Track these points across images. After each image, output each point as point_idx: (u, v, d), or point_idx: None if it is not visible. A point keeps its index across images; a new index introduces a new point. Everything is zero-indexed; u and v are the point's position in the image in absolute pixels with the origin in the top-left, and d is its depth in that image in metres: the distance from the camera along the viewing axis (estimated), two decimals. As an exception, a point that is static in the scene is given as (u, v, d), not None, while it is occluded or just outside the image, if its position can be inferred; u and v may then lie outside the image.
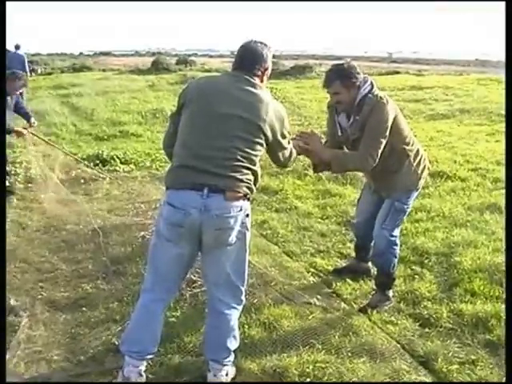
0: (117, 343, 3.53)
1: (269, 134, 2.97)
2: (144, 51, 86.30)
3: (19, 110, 6.66)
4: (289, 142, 3.22)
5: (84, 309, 4.07)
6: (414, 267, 4.71)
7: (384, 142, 3.70)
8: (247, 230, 3.03)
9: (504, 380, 2.86)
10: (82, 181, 7.41)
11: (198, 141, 2.93)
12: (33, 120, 6.78)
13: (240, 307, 3.18)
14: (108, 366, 3.36)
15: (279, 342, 3.60)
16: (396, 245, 4.08)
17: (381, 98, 3.75)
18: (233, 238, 2.94)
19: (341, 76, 3.76)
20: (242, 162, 2.90)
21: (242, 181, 2.90)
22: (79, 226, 5.80)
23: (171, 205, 2.91)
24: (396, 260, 4.13)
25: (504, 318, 3.68)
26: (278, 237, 5.49)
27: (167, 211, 2.94)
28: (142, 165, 8.39)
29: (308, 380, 3.19)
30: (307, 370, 3.27)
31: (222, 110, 2.92)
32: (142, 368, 3.08)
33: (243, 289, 3.15)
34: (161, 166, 8.35)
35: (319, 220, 6.03)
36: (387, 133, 3.70)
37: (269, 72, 3.14)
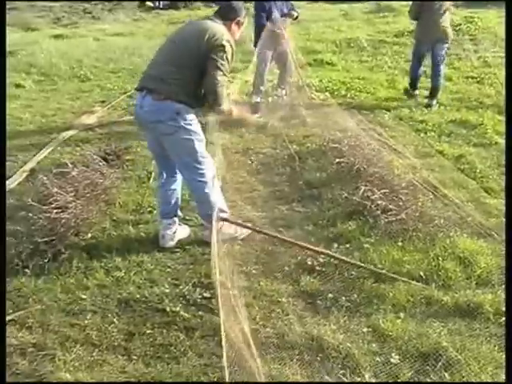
0: (310, 263, 3.74)
1: (202, 53, 3.63)
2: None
3: None
4: (223, 75, 3.70)
5: (281, 229, 4.28)
6: None
7: None
8: (180, 125, 3.70)
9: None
10: (279, 107, 7.59)
11: (155, 57, 3.91)
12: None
13: (198, 177, 3.86)
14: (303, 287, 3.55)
15: (474, 278, 3.53)
16: None
17: None
18: (167, 129, 3.70)
19: None
20: (176, 74, 3.66)
21: (169, 85, 3.66)
22: (276, 150, 6.02)
23: (134, 104, 4.03)
24: None
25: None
26: (475, 172, 5.25)
27: (134, 109, 4.06)
28: (337, 93, 8.38)
29: (502, 319, 3.11)
30: (502, 308, 3.19)
31: (177, 37, 3.86)
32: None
33: (198, 165, 3.83)
34: (356, 95, 8.28)
35: (521, 157, 5.65)
36: None
37: (241, 23, 3.97)
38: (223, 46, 3.64)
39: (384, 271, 3.57)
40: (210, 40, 3.63)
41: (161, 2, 28.13)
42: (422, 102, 7.75)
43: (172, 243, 4.11)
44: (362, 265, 3.64)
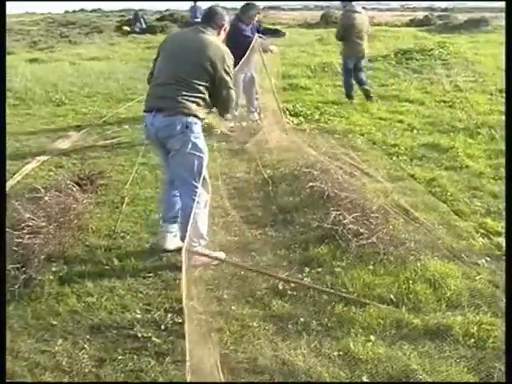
0: (282, 287, 3.76)
1: (210, 68, 3.91)
2: (313, 5, 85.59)
3: None
4: (230, 88, 4.07)
5: (253, 253, 4.31)
6: None
7: None
8: (189, 139, 3.93)
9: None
10: (253, 131, 7.66)
11: (156, 77, 4.12)
12: None
13: (192, 195, 3.90)
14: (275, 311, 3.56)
15: (444, 300, 3.58)
16: None
17: None
18: (177, 143, 3.94)
19: None
20: (182, 90, 3.89)
21: (178, 101, 3.88)
22: (250, 174, 6.06)
23: (144, 124, 4.18)
24: None
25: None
26: (447, 195, 5.33)
27: (144, 130, 4.27)
28: (311, 117, 8.48)
29: (472, 340, 3.16)
30: (471, 330, 3.24)
31: (177, 54, 4.05)
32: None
33: (195, 184, 3.98)
34: (329, 119, 8.39)
35: (491, 180, 5.76)
36: None
37: (226, 28, 4.24)
38: (225, 60, 3.98)
39: (353, 296, 3.60)
40: (212, 57, 3.92)
41: (137, 26, 28.27)
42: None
43: (172, 245, 4.28)
44: (331, 291, 3.66)
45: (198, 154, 3.99)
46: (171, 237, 4.32)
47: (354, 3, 9.42)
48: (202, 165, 4.03)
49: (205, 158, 4.06)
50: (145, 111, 4.14)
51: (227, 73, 4.01)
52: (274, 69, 7.88)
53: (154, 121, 3.97)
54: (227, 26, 4.28)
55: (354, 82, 9.69)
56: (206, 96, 4.00)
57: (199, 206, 4.00)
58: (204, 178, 4.06)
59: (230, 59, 4.04)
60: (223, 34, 4.27)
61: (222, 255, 4.21)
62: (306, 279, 3.86)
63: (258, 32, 7.67)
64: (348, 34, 9.13)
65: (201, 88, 3.95)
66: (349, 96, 9.69)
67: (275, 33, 8.40)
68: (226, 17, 4.25)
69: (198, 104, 3.96)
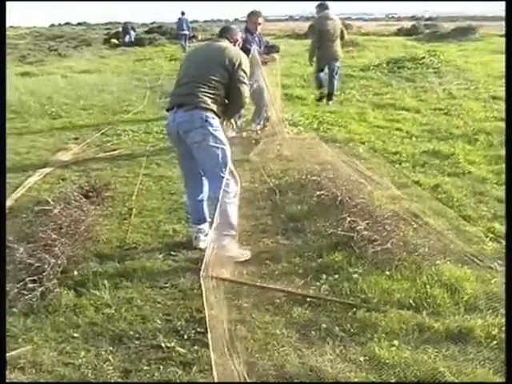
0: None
1: (229, 68, 4.22)
2: (298, 16, 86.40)
3: None
4: (247, 89, 4.36)
5: (267, 262, 4.32)
6: None
7: None
8: (209, 131, 4.12)
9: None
10: (254, 141, 7.69)
11: (178, 80, 4.43)
12: None
13: (223, 187, 4.06)
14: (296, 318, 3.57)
15: (462, 304, 3.60)
16: None
17: None
18: (197, 137, 4.13)
19: None
20: (201, 87, 4.16)
21: (197, 96, 4.14)
22: (255, 184, 6.08)
23: (166, 123, 4.46)
24: None
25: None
26: (453, 201, 5.38)
27: (166, 128, 4.57)
28: (310, 127, 8.53)
29: (495, 342, 3.18)
30: (493, 332, 3.26)
31: (197, 57, 4.44)
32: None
33: (224, 176, 4.14)
34: (328, 129, 8.45)
35: (495, 186, 5.82)
36: None
37: (238, 43, 4.71)
38: (243, 61, 4.31)
39: (371, 305, 3.62)
40: (232, 57, 4.26)
41: (126, 39, 28.31)
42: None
43: (204, 244, 4.38)
44: (350, 302, 3.67)
45: (220, 145, 4.18)
46: (203, 237, 4.57)
47: (327, 11, 10.24)
48: (227, 156, 4.22)
49: (228, 150, 4.25)
50: (167, 110, 4.38)
51: (244, 71, 4.32)
52: (274, 78, 7.94)
53: (176, 116, 4.20)
54: (240, 42, 4.79)
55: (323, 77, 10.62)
56: (223, 94, 4.28)
57: (229, 197, 4.18)
58: (231, 170, 4.24)
59: (247, 62, 4.39)
60: (237, 47, 4.65)
61: (247, 254, 4.38)
62: (323, 286, 3.87)
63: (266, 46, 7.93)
64: (321, 38, 10.08)
65: (218, 85, 4.22)
66: (319, 87, 10.77)
67: (272, 48, 8.48)
68: (239, 33, 4.76)
69: (215, 100, 4.21)
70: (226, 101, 4.36)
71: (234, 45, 4.60)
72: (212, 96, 4.19)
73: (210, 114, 4.16)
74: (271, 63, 8.09)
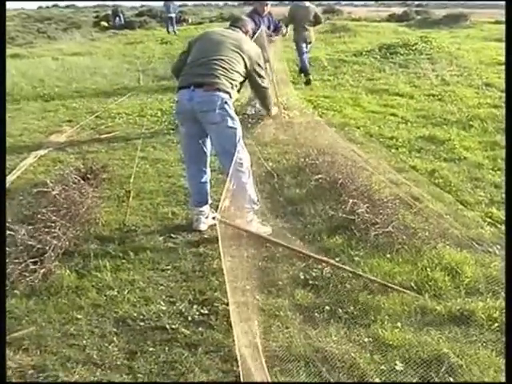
0: (303, 277, 3.80)
1: (246, 60, 4.35)
2: (288, 2, 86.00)
3: None
4: (266, 80, 4.63)
5: (267, 245, 4.31)
6: None
7: None
8: (228, 113, 4.19)
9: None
10: (249, 125, 7.67)
11: (195, 59, 4.38)
12: None
13: (237, 166, 4.12)
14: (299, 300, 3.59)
15: (463, 287, 3.64)
16: None
17: None
18: (215, 118, 4.16)
19: None
20: (221, 70, 4.22)
21: (218, 78, 4.19)
22: (252, 167, 6.04)
23: (176, 100, 4.43)
24: None
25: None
26: (450, 186, 5.41)
27: (175, 105, 4.53)
28: (305, 110, 8.53)
29: (496, 325, 3.22)
30: (494, 315, 3.30)
31: (214, 40, 4.43)
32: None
33: (238, 154, 4.14)
34: (323, 113, 8.47)
35: (490, 171, 5.86)
36: None
37: (250, 34, 4.84)
38: (258, 54, 4.47)
39: (384, 282, 3.65)
40: (249, 51, 4.38)
41: (116, 22, 28.07)
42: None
43: (205, 226, 4.61)
44: (365, 275, 3.71)
45: (236, 127, 4.27)
46: (203, 219, 4.63)
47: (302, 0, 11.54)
48: (240, 137, 4.32)
49: (240, 129, 4.34)
50: (180, 87, 4.36)
51: (259, 65, 4.49)
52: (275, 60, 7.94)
53: (194, 95, 4.19)
54: (251, 33, 4.94)
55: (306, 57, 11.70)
56: (238, 80, 4.37)
57: (245, 174, 4.28)
58: (242, 146, 4.35)
59: (261, 58, 4.54)
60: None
61: (268, 229, 4.48)
62: (325, 269, 3.89)
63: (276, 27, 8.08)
64: (295, 22, 11.49)
65: (235, 72, 4.32)
66: (301, 71, 11.81)
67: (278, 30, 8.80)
68: (250, 24, 4.95)
69: (233, 86, 4.30)
70: (238, 87, 4.44)
71: (246, 35, 4.72)
72: (230, 80, 4.26)
73: (228, 97, 4.23)
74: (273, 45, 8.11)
